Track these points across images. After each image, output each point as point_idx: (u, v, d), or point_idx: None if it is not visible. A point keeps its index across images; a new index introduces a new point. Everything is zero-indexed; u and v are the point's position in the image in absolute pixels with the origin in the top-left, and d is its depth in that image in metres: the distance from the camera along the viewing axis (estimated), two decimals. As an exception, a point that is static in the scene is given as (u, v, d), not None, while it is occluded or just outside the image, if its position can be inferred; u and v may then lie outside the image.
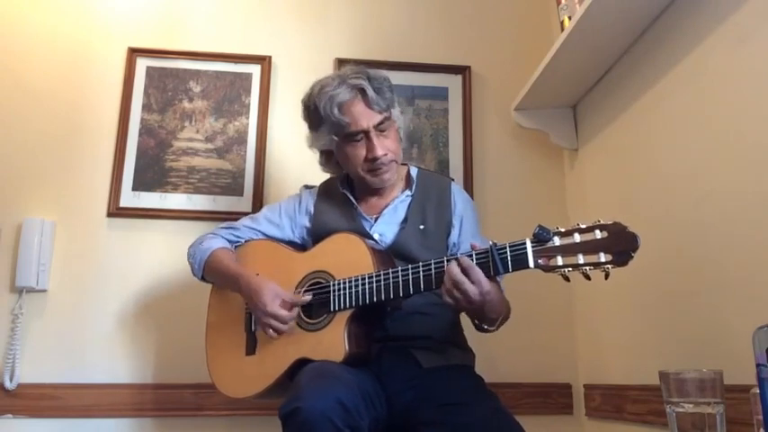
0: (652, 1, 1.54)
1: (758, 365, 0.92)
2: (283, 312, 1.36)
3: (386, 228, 1.47)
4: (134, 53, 2.10)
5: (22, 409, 1.82)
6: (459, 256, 1.20)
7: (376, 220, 1.49)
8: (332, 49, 2.17)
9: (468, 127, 2.15)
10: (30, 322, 1.89)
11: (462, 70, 2.20)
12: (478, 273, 1.16)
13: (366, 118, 1.41)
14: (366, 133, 1.42)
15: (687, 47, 1.47)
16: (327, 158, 1.56)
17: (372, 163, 1.43)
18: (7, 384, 1.80)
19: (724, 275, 1.32)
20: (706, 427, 1.06)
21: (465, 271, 1.17)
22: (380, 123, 1.42)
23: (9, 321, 1.86)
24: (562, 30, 1.79)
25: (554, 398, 2.00)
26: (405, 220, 1.47)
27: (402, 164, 1.56)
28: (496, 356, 1.86)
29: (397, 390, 1.31)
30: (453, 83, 2.19)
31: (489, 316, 1.25)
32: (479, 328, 1.32)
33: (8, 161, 1.98)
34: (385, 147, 1.43)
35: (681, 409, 1.08)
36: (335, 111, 1.41)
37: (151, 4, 2.17)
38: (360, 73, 1.43)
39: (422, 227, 1.45)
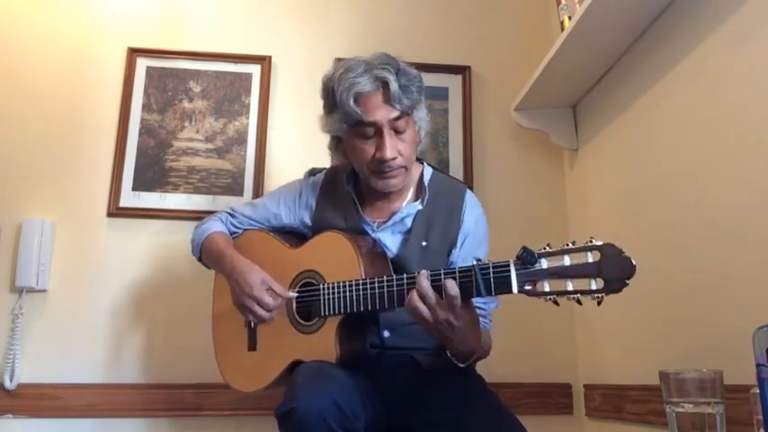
0: (652, 1, 1.54)
1: (758, 365, 0.92)
2: (268, 299, 1.33)
3: (388, 238, 1.41)
4: (134, 53, 2.10)
5: (22, 409, 1.82)
6: (417, 282, 1.13)
7: (379, 226, 1.42)
8: (332, 49, 2.17)
9: (468, 127, 2.15)
10: (30, 322, 1.89)
11: (462, 70, 2.20)
12: (451, 288, 1.09)
13: (382, 112, 1.30)
14: (379, 129, 1.31)
15: (687, 47, 1.47)
16: (337, 145, 1.45)
17: (379, 164, 1.33)
18: (7, 384, 1.80)
19: (724, 275, 1.32)
20: (706, 427, 1.06)
21: (424, 299, 1.11)
22: (397, 119, 1.31)
23: (9, 321, 1.86)
24: (562, 30, 1.79)
25: (554, 398, 2.00)
26: (408, 232, 1.41)
27: (418, 160, 1.48)
28: (496, 356, 1.84)
29: (396, 390, 1.31)
30: (453, 83, 2.19)
31: (459, 348, 1.20)
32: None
33: (8, 161, 1.98)
34: (396, 149, 1.33)
35: (681, 409, 1.08)
36: (351, 101, 1.30)
37: (151, 4, 2.17)
38: (389, 64, 1.32)
39: (424, 243, 1.39)
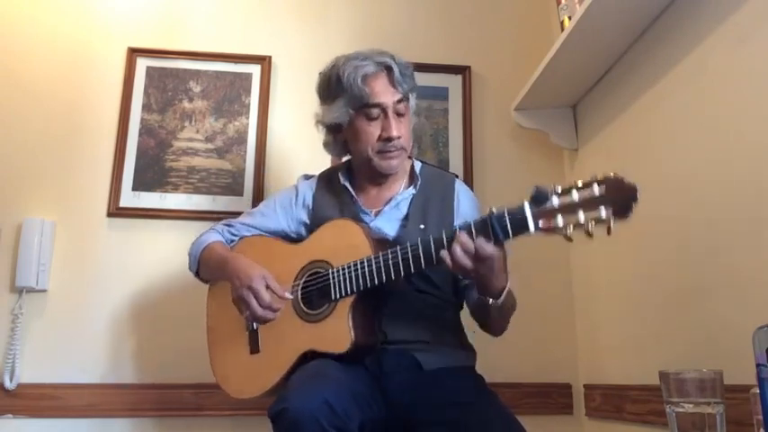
0: (652, 1, 1.54)
1: (758, 365, 0.92)
2: (266, 295, 1.33)
3: (386, 224, 1.44)
4: (134, 53, 2.10)
5: (22, 409, 1.82)
6: (458, 232, 1.16)
7: (376, 214, 1.46)
8: (332, 49, 2.14)
9: (468, 127, 2.15)
10: (30, 322, 1.89)
11: (462, 70, 2.20)
12: (479, 247, 1.13)
13: (388, 93, 1.39)
14: (384, 110, 1.39)
15: (687, 47, 1.47)
16: (334, 137, 1.51)
17: (385, 143, 1.40)
18: (7, 384, 1.80)
19: (724, 275, 1.32)
20: (706, 427, 1.06)
21: (465, 250, 1.14)
22: (400, 101, 1.40)
23: (9, 321, 1.86)
24: (562, 30, 1.79)
25: (554, 398, 2.00)
26: (406, 218, 1.44)
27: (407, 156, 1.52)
28: (496, 356, 1.85)
29: (396, 390, 1.30)
30: (453, 83, 2.19)
31: (495, 285, 1.23)
32: (485, 310, 1.28)
33: (8, 161, 1.98)
34: (400, 130, 1.40)
35: (681, 409, 1.08)
36: (359, 80, 1.38)
37: (151, 4, 2.17)
38: (385, 53, 1.43)
39: (422, 226, 1.42)
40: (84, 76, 2.08)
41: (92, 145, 2.03)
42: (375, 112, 1.40)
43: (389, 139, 1.39)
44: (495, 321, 1.36)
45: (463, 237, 1.15)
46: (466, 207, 1.48)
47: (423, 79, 2.15)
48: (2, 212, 1.94)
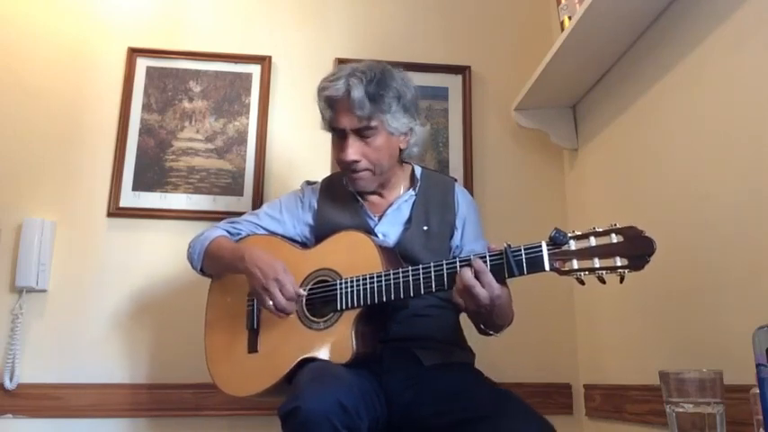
0: (652, 1, 1.54)
1: (758, 365, 0.92)
2: (291, 287, 1.33)
3: (389, 228, 1.46)
4: (134, 53, 2.10)
5: (22, 409, 1.82)
6: (472, 258, 1.18)
7: (380, 219, 1.48)
8: (332, 49, 2.17)
9: (468, 127, 2.15)
10: (30, 322, 1.89)
11: (462, 70, 2.20)
12: (490, 277, 1.15)
13: (346, 119, 1.40)
14: (344, 133, 1.41)
15: (686, 47, 1.47)
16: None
17: (342, 164, 1.44)
18: (7, 384, 1.80)
19: (724, 275, 1.32)
20: (706, 427, 1.06)
21: (477, 275, 1.15)
22: (362, 129, 1.40)
23: (9, 321, 1.86)
24: (562, 30, 1.79)
25: (554, 398, 2.00)
26: (408, 221, 1.47)
27: (406, 163, 1.56)
28: (497, 356, 1.85)
29: (397, 388, 1.31)
30: (453, 83, 2.19)
31: (497, 322, 1.26)
32: (483, 332, 1.32)
33: (8, 161, 1.98)
34: (359, 152, 1.41)
35: (681, 409, 1.08)
36: (322, 103, 1.43)
37: (151, 4, 2.17)
38: (365, 72, 1.39)
39: (425, 228, 1.44)
40: (85, 75, 2.08)
41: (92, 145, 2.03)
42: (339, 132, 1.43)
43: (342, 162, 1.43)
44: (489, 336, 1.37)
45: (477, 265, 1.15)
46: (465, 210, 1.51)
47: (423, 79, 2.16)
48: (2, 212, 1.94)
